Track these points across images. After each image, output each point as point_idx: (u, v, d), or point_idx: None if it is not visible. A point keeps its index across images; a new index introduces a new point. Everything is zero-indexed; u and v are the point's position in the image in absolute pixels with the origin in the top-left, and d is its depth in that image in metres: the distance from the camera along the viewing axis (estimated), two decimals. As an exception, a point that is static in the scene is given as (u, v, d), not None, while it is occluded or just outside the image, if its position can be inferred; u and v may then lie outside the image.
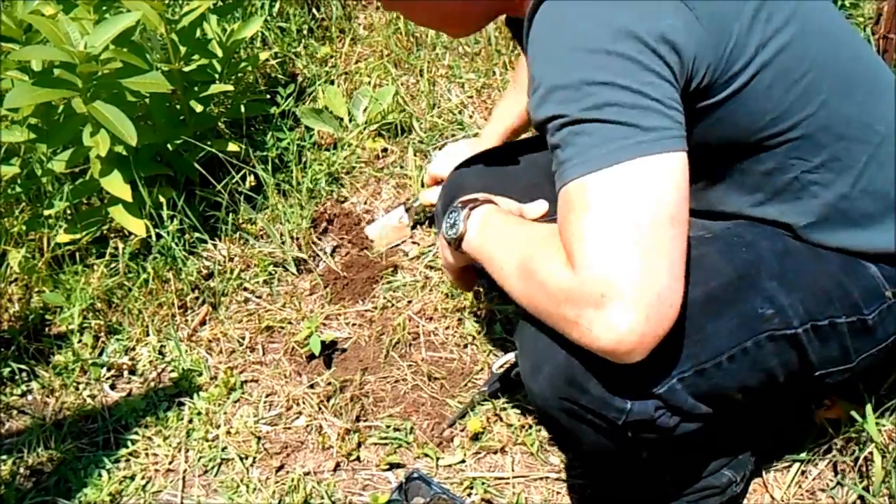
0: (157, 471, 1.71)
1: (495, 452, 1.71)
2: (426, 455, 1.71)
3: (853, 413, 1.54)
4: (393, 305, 2.04)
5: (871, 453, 1.53)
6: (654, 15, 1.07)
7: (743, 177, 1.26)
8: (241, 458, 1.72)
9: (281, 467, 1.71)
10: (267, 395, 1.85)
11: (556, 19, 1.11)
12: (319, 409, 1.81)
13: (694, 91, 1.12)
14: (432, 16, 1.40)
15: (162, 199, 2.10)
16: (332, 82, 2.76)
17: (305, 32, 2.97)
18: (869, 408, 1.52)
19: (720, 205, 1.32)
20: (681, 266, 1.03)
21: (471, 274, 1.45)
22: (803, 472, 1.60)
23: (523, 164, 1.71)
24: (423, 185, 2.23)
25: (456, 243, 1.31)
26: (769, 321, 1.22)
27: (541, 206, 1.35)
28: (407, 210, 2.23)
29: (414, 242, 2.22)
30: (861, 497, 1.54)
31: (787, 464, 1.62)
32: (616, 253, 1.00)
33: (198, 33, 2.24)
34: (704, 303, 1.19)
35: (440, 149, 2.39)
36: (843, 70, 1.22)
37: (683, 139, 1.07)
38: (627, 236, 1.00)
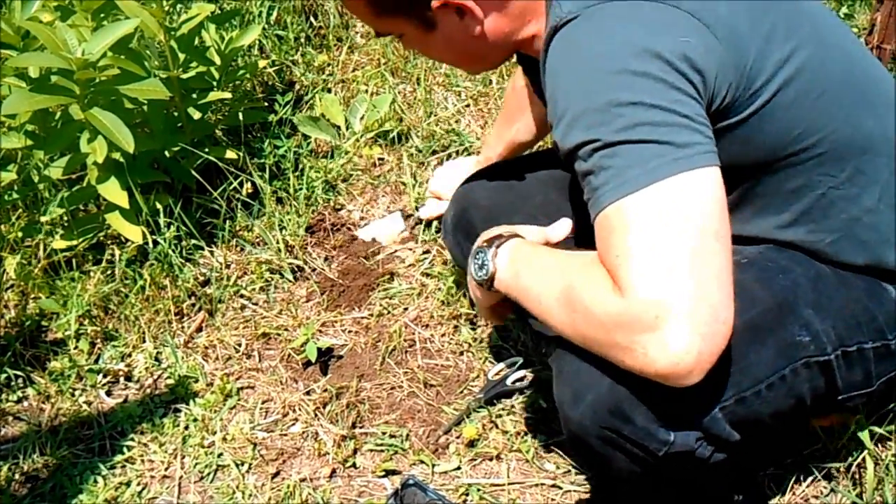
0: (152, 477, 1.71)
1: (491, 459, 1.72)
2: (422, 462, 1.72)
3: (847, 421, 1.54)
4: (389, 312, 2.05)
5: (863, 460, 1.54)
6: (672, 34, 1.07)
7: (770, 197, 1.26)
8: (237, 465, 1.72)
9: (277, 474, 1.71)
10: (263, 402, 1.85)
11: (573, 46, 1.10)
12: (315, 415, 1.81)
13: (716, 111, 1.12)
14: (450, 54, 1.39)
15: (159, 206, 2.10)
16: (329, 90, 2.77)
17: (303, 40, 2.98)
18: (862, 415, 1.53)
19: (747, 229, 1.30)
20: (730, 281, 1.01)
21: (503, 306, 1.40)
22: (797, 479, 1.61)
23: (533, 180, 1.70)
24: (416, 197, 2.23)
25: (487, 284, 1.25)
26: (806, 348, 1.21)
27: (565, 225, 1.30)
28: (405, 218, 2.25)
29: (410, 249, 2.22)
30: (854, 504, 1.55)
31: (781, 471, 1.62)
32: (665, 273, 0.98)
33: (196, 41, 2.25)
34: (746, 331, 1.16)
35: (440, 163, 2.41)
36: (862, 84, 1.23)
37: (716, 155, 1.05)
38: (675, 255, 0.98)
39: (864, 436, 1.51)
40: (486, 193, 1.70)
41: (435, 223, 2.22)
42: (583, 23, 1.10)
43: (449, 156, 2.48)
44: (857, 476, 1.57)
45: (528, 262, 1.21)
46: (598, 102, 1.05)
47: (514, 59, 1.51)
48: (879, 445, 1.57)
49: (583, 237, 1.72)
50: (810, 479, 1.61)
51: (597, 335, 1.05)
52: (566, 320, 1.10)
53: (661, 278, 0.97)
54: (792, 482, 1.60)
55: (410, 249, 2.22)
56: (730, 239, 1.03)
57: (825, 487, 1.60)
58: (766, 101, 1.14)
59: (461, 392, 1.86)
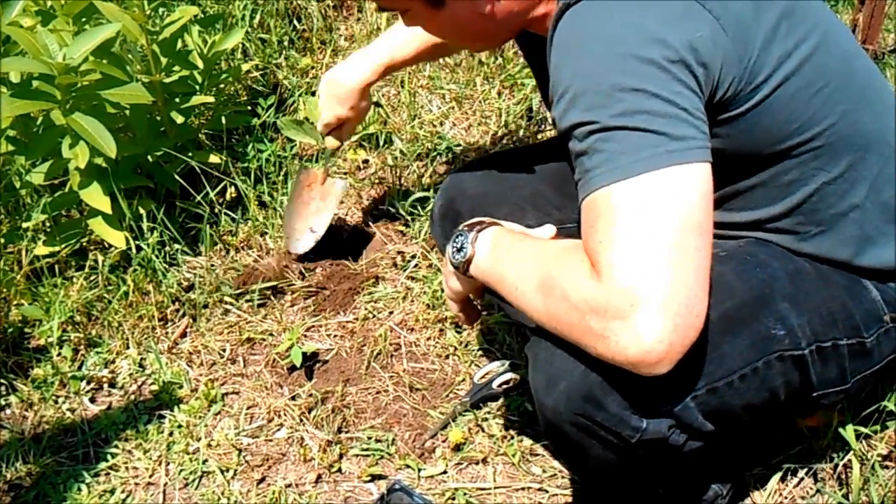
0: (137, 484, 1.70)
1: (477, 463, 1.71)
2: (408, 466, 1.71)
3: (833, 421, 1.55)
4: (374, 316, 2.04)
5: (850, 461, 1.54)
6: (683, 24, 1.07)
7: (764, 189, 1.26)
8: (222, 471, 1.71)
9: (262, 480, 1.70)
10: (248, 408, 1.85)
11: (585, 25, 1.10)
12: (301, 420, 1.80)
13: (718, 102, 1.13)
14: (456, 32, 1.37)
15: (142, 211, 2.09)
16: (313, 93, 2.76)
17: (286, 44, 2.97)
18: (848, 416, 1.53)
19: (736, 218, 1.31)
20: (706, 276, 1.02)
21: (473, 310, 1.42)
22: (783, 480, 1.61)
23: (523, 171, 1.70)
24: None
25: (464, 267, 1.26)
26: (780, 342, 1.22)
27: (547, 231, 1.29)
28: (316, 169, 2.22)
29: (399, 252, 2.22)
30: (840, 504, 1.56)
31: (767, 472, 1.63)
32: (644, 262, 0.99)
33: (179, 44, 2.24)
34: (720, 322, 1.18)
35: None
36: (860, 82, 1.24)
37: (709, 150, 1.06)
38: (655, 246, 0.99)
39: (850, 436, 1.52)
40: (475, 183, 1.70)
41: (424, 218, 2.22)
42: (594, 4, 1.10)
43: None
44: (843, 476, 1.58)
45: (507, 248, 1.21)
46: (601, 84, 1.05)
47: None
48: (865, 445, 1.58)
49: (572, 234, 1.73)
50: (796, 479, 1.61)
51: (571, 321, 1.05)
52: (541, 306, 1.10)
53: (640, 267, 0.99)
54: (778, 482, 1.60)
55: (399, 252, 2.22)
56: (711, 234, 1.04)
57: (811, 488, 1.60)
58: (766, 96, 1.15)
59: (447, 396, 1.85)
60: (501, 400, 1.81)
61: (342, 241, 2.26)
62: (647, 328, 0.98)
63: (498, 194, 1.66)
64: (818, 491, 1.59)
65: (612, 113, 1.04)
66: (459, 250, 1.26)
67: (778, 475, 1.61)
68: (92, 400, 1.89)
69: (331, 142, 2.06)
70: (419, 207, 2.31)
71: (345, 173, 2.48)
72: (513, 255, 1.20)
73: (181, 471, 1.72)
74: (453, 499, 1.65)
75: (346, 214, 2.37)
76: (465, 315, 1.43)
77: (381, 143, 2.56)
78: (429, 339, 1.98)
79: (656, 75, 1.04)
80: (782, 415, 1.36)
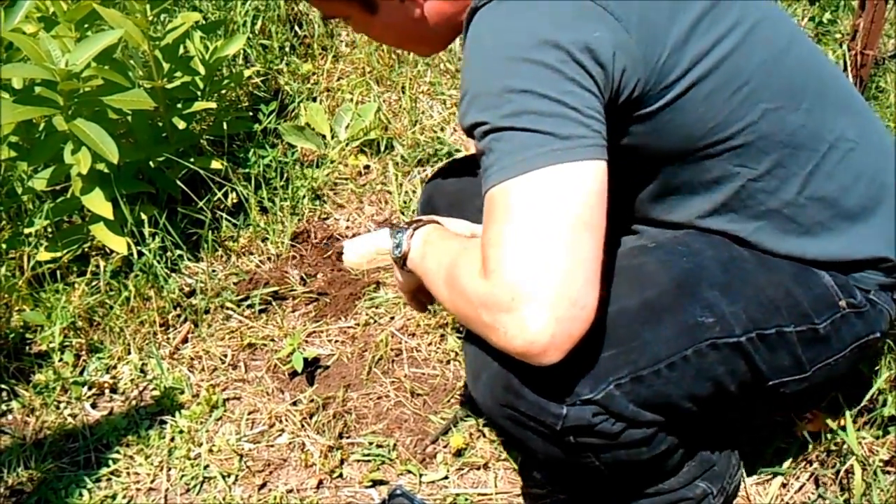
0: (138, 490, 1.70)
1: (478, 468, 1.71)
2: (409, 471, 1.71)
3: (834, 426, 1.55)
4: (375, 322, 2.04)
5: (851, 466, 1.54)
6: (579, 26, 1.09)
7: (690, 187, 1.28)
8: (223, 477, 1.71)
9: (263, 485, 1.70)
10: (249, 413, 1.85)
11: (485, 27, 1.14)
12: (302, 426, 1.80)
13: (625, 102, 1.14)
14: (393, 37, 1.42)
15: (144, 217, 2.09)
16: (314, 99, 2.77)
17: (288, 50, 2.98)
18: (849, 420, 1.53)
19: (671, 216, 1.33)
20: (594, 269, 1.05)
21: (424, 295, 1.46)
22: (784, 485, 1.61)
23: None
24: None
25: (401, 262, 1.34)
26: (710, 329, 1.22)
27: None
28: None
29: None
30: (842, 510, 1.55)
31: (768, 477, 1.63)
32: (527, 258, 1.02)
33: (181, 51, 2.24)
34: (640, 310, 1.21)
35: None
36: (789, 78, 1.23)
37: (602, 148, 1.08)
38: (538, 241, 1.02)
39: (852, 441, 1.52)
40: (453, 180, 1.72)
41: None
42: (498, 7, 1.13)
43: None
44: (844, 482, 1.57)
45: (434, 245, 1.28)
46: (493, 86, 1.09)
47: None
48: (867, 450, 1.58)
49: None
50: (798, 484, 1.61)
51: (469, 313, 1.10)
52: (449, 299, 1.17)
53: (521, 263, 1.02)
54: (779, 487, 1.60)
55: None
56: (601, 230, 1.06)
57: (813, 493, 1.60)
58: (678, 95, 1.16)
59: (448, 401, 1.85)
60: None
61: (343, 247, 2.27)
62: (530, 321, 1.01)
63: (471, 190, 1.67)
64: (820, 496, 1.59)
65: (501, 114, 1.07)
66: (397, 246, 1.34)
67: (779, 480, 1.61)
68: (93, 405, 1.89)
69: None
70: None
71: (346, 179, 2.48)
72: (436, 252, 1.26)
73: (182, 476, 1.72)
74: (454, 504, 1.65)
75: (348, 220, 2.37)
76: (416, 303, 1.50)
77: (382, 148, 2.56)
78: (430, 344, 1.98)
79: (546, 76, 1.07)
80: (746, 405, 1.36)
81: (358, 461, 1.74)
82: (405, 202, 2.37)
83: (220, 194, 2.28)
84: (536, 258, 1.02)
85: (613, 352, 1.19)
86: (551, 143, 1.05)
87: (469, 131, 1.13)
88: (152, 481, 1.71)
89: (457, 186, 1.69)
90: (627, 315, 1.20)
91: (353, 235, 2.31)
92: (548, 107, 1.06)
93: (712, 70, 1.16)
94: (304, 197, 2.39)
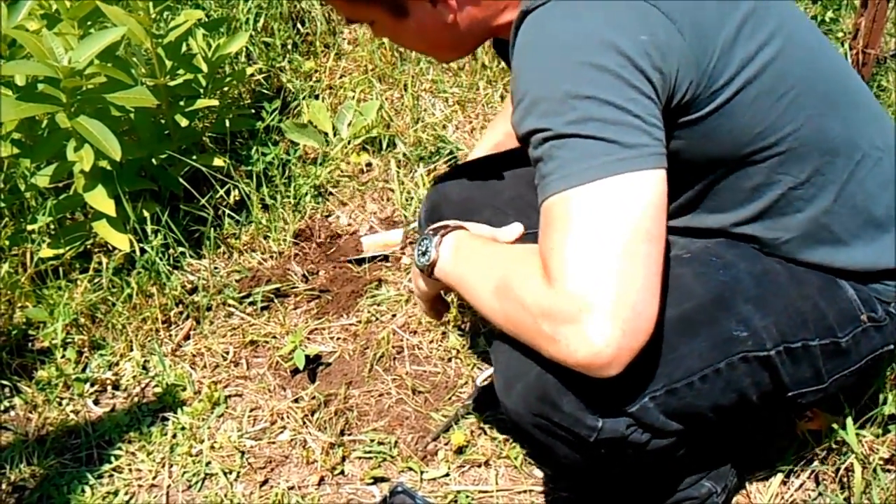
0: (140, 486, 1.71)
1: (479, 466, 1.72)
2: (410, 469, 1.72)
3: (834, 424, 1.55)
4: (377, 319, 2.05)
5: (851, 464, 1.54)
6: (637, 29, 1.08)
7: (730, 194, 1.27)
8: (225, 473, 1.71)
9: (265, 482, 1.71)
10: (251, 410, 1.85)
11: (541, 31, 1.11)
12: (304, 423, 1.80)
13: (676, 106, 1.13)
14: (422, 43, 1.38)
15: (146, 214, 2.10)
16: (316, 97, 2.77)
17: (290, 47, 2.98)
18: (849, 419, 1.53)
19: (705, 222, 1.32)
20: (657, 281, 1.04)
21: (442, 304, 1.46)
22: (785, 483, 1.61)
23: (507, 175, 1.71)
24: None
25: (428, 270, 1.30)
26: (743, 343, 1.23)
27: (516, 229, 1.31)
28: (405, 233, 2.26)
29: (397, 258, 2.22)
30: (842, 508, 1.56)
31: (769, 474, 1.63)
32: (593, 268, 1.01)
33: (183, 48, 2.24)
34: (678, 323, 1.20)
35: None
36: (826, 85, 1.24)
37: (663, 157, 1.07)
38: (604, 252, 1.01)
39: (852, 439, 1.52)
40: (458, 189, 1.71)
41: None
42: (552, 9, 1.11)
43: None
44: (844, 480, 1.58)
45: (468, 252, 1.25)
46: (555, 92, 1.07)
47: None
48: (867, 448, 1.58)
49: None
50: (798, 482, 1.61)
51: (525, 323, 1.08)
52: (498, 309, 1.13)
53: (588, 273, 1.01)
54: (780, 485, 1.60)
55: (398, 256, 2.23)
56: (663, 240, 1.06)
57: (813, 491, 1.60)
58: (727, 100, 1.15)
59: (449, 399, 1.86)
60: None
61: (345, 245, 2.27)
62: (596, 332, 1.00)
63: (480, 198, 1.67)
64: (820, 494, 1.60)
65: (565, 120, 1.05)
66: (424, 254, 1.30)
67: (779, 478, 1.61)
68: (96, 402, 1.89)
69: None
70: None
71: (348, 177, 2.48)
72: (473, 259, 1.23)
73: (184, 473, 1.72)
74: (455, 501, 1.65)
75: (350, 217, 2.37)
76: (434, 312, 1.49)
77: (385, 146, 2.56)
78: (431, 342, 1.98)
79: (609, 82, 1.05)
80: (761, 414, 1.37)
81: (359, 458, 1.75)
82: (407, 200, 2.38)
83: (222, 192, 2.28)
84: (603, 269, 1.01)
85: (651, 364, 1.18)
86: (617, 152, 1.03)
87: (525, 138, 1.11)
88: (154, 478, 1.72)
89: (464, 195, 1.68)
90: (665, 327, 1.19)
91: (355, 233, 2.31)
92: (612, 114, 1.04)
93: (758, 75, 1.15)
94: (306, 194, 2.39)
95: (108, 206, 1.98)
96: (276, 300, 2.12)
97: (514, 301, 1.10)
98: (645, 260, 1.03)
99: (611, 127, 1.04)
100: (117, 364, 1.97)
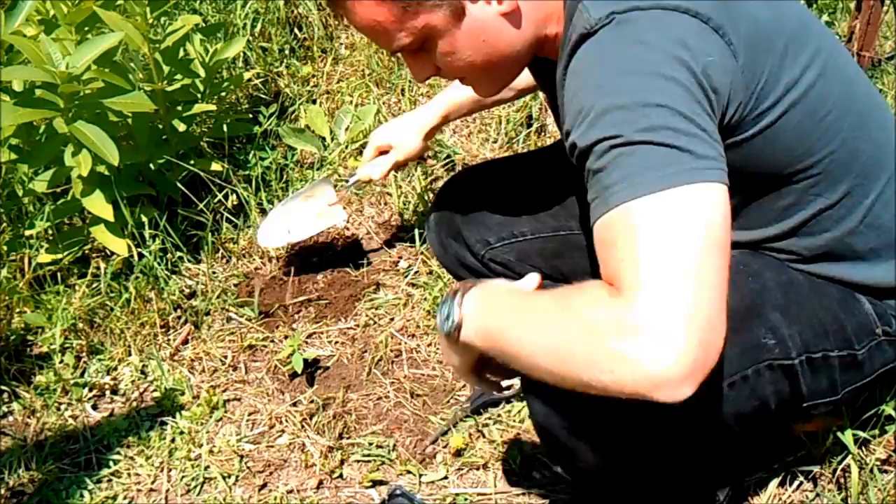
0: (139, 491, 1.71)
1: (478, 468, 1.72)
2: (409, 472, 1.72)
3: (830, 425, 1.55)
4: (375, 323, 2.05)
5: (848, 465, 1.54)
6: (700, 48, 1.06)
7: (760, 212, 1.26)
8: (223, 477, 1.71)
9: (264, 486, 1.71)
10: (249, 414, 1.85)
11: (603, 48, 1.09)
12: (302, 426, 1.81)
13: (724, 127, 1.12)
14: (478, 52, 1.24)
15: (144, 219, 2.10)
16: (314, 101, 2.78)
17: (287, 52, 2.99)
18: (846, 420, 1.54)
19: (734, 237, 1.30)
20: (724, 294, 0.99)
21: (493, 370, 1.30)
22: (782, 484, 1.62)
23: (517, 179, 1.70)
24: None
25: (456, 334, 1.16)
26: (770, 351, 1.23)
27: (533, 279, 1.22)
28: (336, 187, 2.17)
29: (395, 262, 2.23)
30: (840, 509, 1.56)
31: (766, 476, 1.63)
32: (669, 278, 0.95)
33: (181, 53, 2.25)
34: None
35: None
36: (859, 106, 1.24)
37: (726, 172, 1.04)
38: (680, 262, 0.96)
39: (849, 440, 1.52)
40: (468, 191, 1.72)
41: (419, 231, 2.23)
42: (615, 28, 1.08)
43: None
44: (842, 480, 1.58)
45: (497, 300, 1.15)
46: (626, 100, 1.03)
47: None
48: (863, 449, 1.58)
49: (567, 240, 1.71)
50: (796, 483, 1.61)
51: (587, 344, 0.98)
52: (550, 341, 1.03)
53: (665, 283, 0.95)
54: (777, 486, 1.61)
55: (396, 260, 2.23)
56: (730, 254, 1.02)
57: (810, 492, 1.61)
58: (771, 122, 1.15)
59: (448, 402, 1.86)
60: (502, 406, 1.82)
61: (343, 249, 2.27)
62: (673, 342, 0.93)
63: (491, 202, 1.68)
64: (817, 495, 1.60)
65: (636, 128, 1.01)
66: (447, 318, 1.17)
67: (777, 479, 1.61)
68: (94, 407, 1.89)
69: (365, 172, 1.98)
70: (420, 215, 2.32)
71: (346, 181, 2.48)
72: (505, 304, 1.14)
73: (183, 477, 1.72)
74: (454, 504, 1.66)
75: (348, 221, 2.38)
76: (485, 384, 1.32)
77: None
78: (429, 345, 1.99)
79: (680, 94, 1.03)
80: (773, 424, 1.36)
81: (358, 461, 1.75)
82: (404, 204, 2.38)
83: (220, 196, 2.28)
84: (679, 279, 0.95)
85: None
86: (690, 162, 1.00)
87: (589, 149, 1.05)
88: (153, 482, 1.72)
89: (472, 199, 1.69)
90: None
91: (353, 236, 2.32)
92: (684, 125, 1.02)
93: (801, 98, 1.15)
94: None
95: (107, 211, 1.99)
96: (274, 304, 2.12)
97: (573, 322, 1.01)
98: (717, 272, 0.98)
99: (683, 136, 1.01)
100: (116, 369, 1.97)
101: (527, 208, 1.66)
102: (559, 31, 1.23)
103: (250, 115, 2.63)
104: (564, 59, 1.15)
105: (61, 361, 1.95)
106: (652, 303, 0.94)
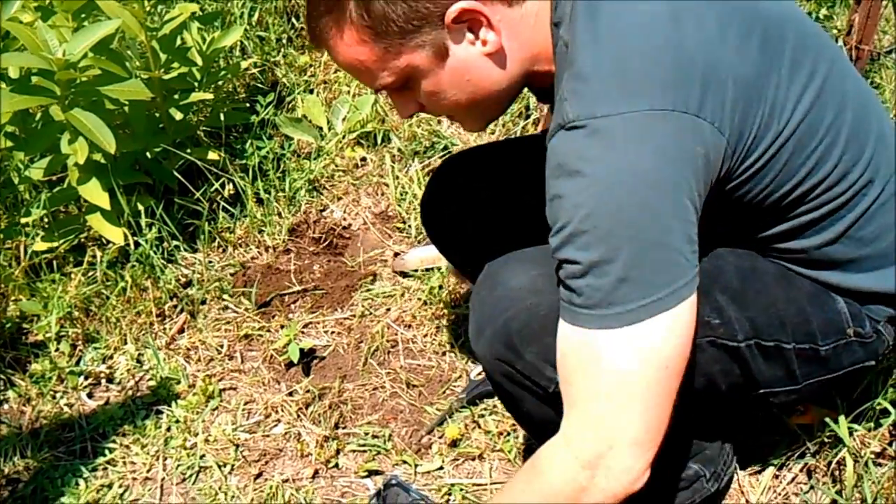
0: (134, 479, 1.71)
1: (473, 459, 1.72)
2: (404, 462, 1.72)
3: (826, 418, 1.56)
4: (371, 313, 2.05)
5: (843, 458, 1.55)
6: (683, 155, 1.05)
7: (742, 231, 1.28)
8: (219, 466, 1.72)
9: (259, 475, 1.71)
10: (245, 403, 1.85)
11: (586, 161, 1.06)
12: (298, 416, 1.81)
13: (711, 186, 1.12)
14: (462, 91, 1.22)
15: (140, 207, 2.09)
16: (311, 91, 2.77)
17: (285, 41, 2.98)
18: (841, 413, 1.54)
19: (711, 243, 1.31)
20: (671, 405, 1.09)
21: None
22: (777, 477, 1.62)
23: (510, 161, 1.69)
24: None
25: None
26: (714, 329, 1.25)
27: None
28: None
29: (396, 249, 2.23)
30: (834, 501, 1.57)
31: (761, 468, 1.64)
32: (623, 413, 1.06)
33: (178, 41, 2.24)
34: None
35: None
36: (849, 129, 1.20)
37: (697, 279, 1.07)
38: (635, 397, 1.05)
39: (844, 433, 1.53)
40: (461, 171, 1.72)
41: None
42: (591, 138, 1.05)
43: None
44: (836, 473, 1.59)
45: None
46: (599, 226, 1.04)
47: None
48: (858, 442, 1.59)
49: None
50: (790, 475, 1.62)
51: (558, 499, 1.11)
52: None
53: (619, 415, 1.06)
54: (772, 478, 1.61)
55: (396, 253, 2.23)
56: (684, 370, 1.10)
57: (805, 484, 1.61)
58: (760, 168, 1.15)
59: (444, 392, 1.86)
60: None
61: (339, 239, 2.27)
62: (629, 471, 1.07)
63: (482, 182, 1.68)
64: (812, 487, 1.60)
65: (604, 257, 1.03)
66: None
67: (771, 471, 1.62)
68: (90, 395, 1.89)
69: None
70: (416, 205, 2.31)
71: (343, 171, 2.48)
72: None
73: (178, 466, 1.72)
74: (449, 494, 1.66)
75: (345, 211, 2.38)
76: None
77: (379, 140, 2.56)
78: (426, 335, 1.99)
79: (654, 221, 1.04)
80: (733, 406, 1.40)
81: (353, 451, 1.75)
82: (401, 194, 2.38)
83: (216, 185, 2.28)
84: (632, 414, 1.06)
85: None
86: (657, 292, 1.03)
87: (561, 263, 1.08)
88: (148, 471, 1.72)
89: (463, 178, 1.69)
90: None
91: (350, 226, 2.32)
92: (656, 254, 1.04)
93: (790, 138, 1.14)
94: (300, 188, 2.39)
95: (103, 200, 1.98)
96: (270, 294, 2.12)
97: (539, 480, 1.14)
98: (669, 395, 1.08)
99: (649, 267, 1.04)
100: (111, 357, 1.97)
101: (518, 193, 1.66)
102: (551, 68, 1.21)
103: (247, 105, 2.63)
104: (548, 138, 1.12)
105: (57, 349, 1.95)
106: (604, 437, 1.07)
